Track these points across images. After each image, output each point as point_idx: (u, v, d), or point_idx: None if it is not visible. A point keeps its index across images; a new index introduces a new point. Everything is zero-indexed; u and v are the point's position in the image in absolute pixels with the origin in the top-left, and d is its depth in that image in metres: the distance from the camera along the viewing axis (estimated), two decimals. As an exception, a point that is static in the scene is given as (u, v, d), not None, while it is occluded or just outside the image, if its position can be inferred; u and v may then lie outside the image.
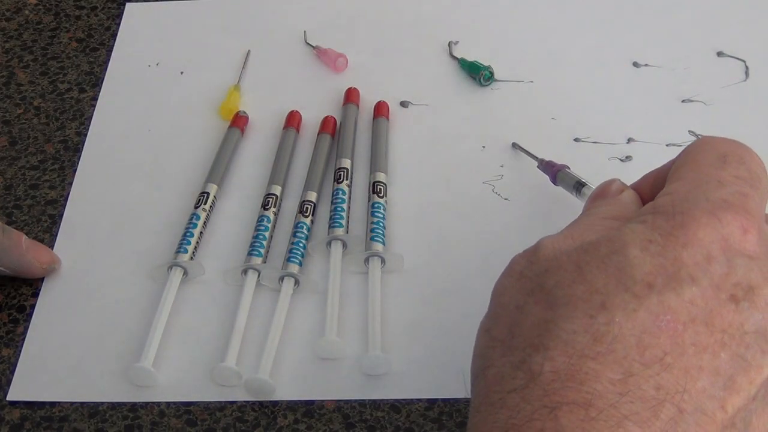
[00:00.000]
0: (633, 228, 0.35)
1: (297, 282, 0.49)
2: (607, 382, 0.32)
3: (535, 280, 0.36)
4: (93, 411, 0.46)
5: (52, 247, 0.53)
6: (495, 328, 0.37)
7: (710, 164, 0.38)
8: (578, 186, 0.50)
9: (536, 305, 0.35)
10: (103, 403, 0.46)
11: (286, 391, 0.46)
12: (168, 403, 0.46)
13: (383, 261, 0.50)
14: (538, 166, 0.53)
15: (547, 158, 0.53)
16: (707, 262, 0.34)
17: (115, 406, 0.46)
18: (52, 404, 0.46)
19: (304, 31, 0.64)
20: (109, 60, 0.64)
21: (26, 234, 0.52)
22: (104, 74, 0.63)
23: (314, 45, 0.63)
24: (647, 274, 0.34)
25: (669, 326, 0.33)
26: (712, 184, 0.36)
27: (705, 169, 0.38)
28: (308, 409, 0.46)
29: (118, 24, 0.66)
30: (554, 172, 0.51)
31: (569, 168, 0.51)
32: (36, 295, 0.51)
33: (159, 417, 0.45)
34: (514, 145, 0.55)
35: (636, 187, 0.43)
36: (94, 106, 0.61)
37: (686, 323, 0.33)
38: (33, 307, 0.50)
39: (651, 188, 0.42)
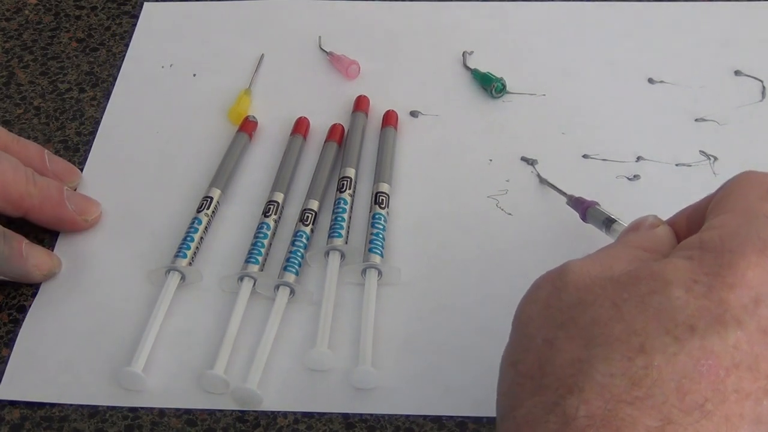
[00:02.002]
0: (677, 265, 0.37)
1: (292, 291, 0.54)
2: (644, 430, 0.33)
3: (567, 312, 0.38)
4: (93, 411, 0.51)
5: (52, 248, 0.58)
6: (522, 362, 0.38)
7: (758, 198, 0.40)
8: (608, 222, 0.53)
9: (569, 341, 0.37)
10: (98, 404, 0.51)
11: (273, 402, 0.51)
12: (162, 407, 0.51)
13: (380, 273, 0.55)
14: (567, 203, 0.56)
15: (576, 194, 0.56)
16: (755, 304, 0.35)
17: (115, 406, 0.51)
18: (52, 404, 0.51)
19: (319, 37, 0.70)
20: (109, 60, 0.70)
21: (26, 235, 0.57)
22: (107, 74, 0.69)
23: (328, 51, 0.69)
24: (690, 317, 0.35)
25: (711, 371, 0.34)
26: (761, 220, 0.38)
27: (753, 203, 0.39)
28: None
29: (119, 24, 0.73)
30: (584, 208, 0.55)
31: (599, 204, 0.54)
32: (36, 295, 0.56)
33: (159, 417, 0.51)
34: (542, 180, 0.59)
35: (671, 222, 0.45)
36: (95, 106, 0.67)
37: (729, 368, 0.34)
38: (31, 306, 0.56)
39: (687, 224, 0.44)
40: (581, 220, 0.56)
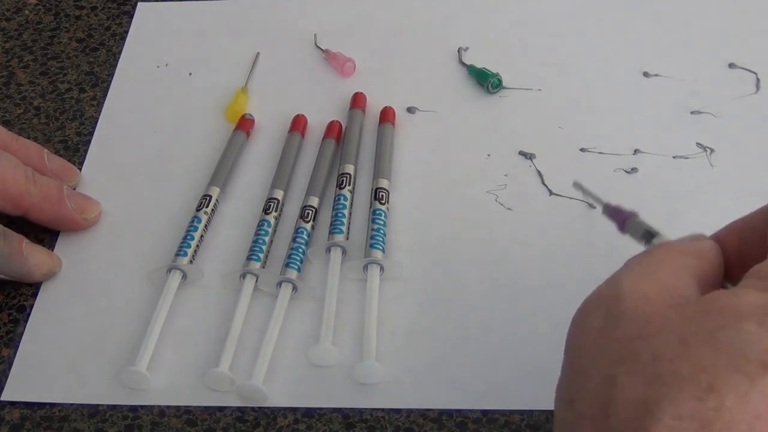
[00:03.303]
0: (749, 297, 0.35)
1: (295, 288, 0.53)
2: None
3: (626, 345, 0.35)
4: (93, 411, 0.50)
5: (52, 247, 0.57)
6: (580, 400, 0.36)
7: None
8: (648, 236, 0.47)
9: (632, 379, 0.34)
10: (101, 403, 0.50)
11: (278, 398, 0.50)
12: (166, 405, 0.50)
13: (382, 268, 0.53)
14: (603, 212, 0.50)
15: (613, 203, 0.50)
16: None
17: (115, 406, 0.50)
18: (52, 404, 0.50)
19: (315, 34, 0.68)
20: (109, 60, 0.68)
21: (27, 235, 0.55)
22: (106, 74, 0.67)
23: (324, 49, 0.67)
24: (763, 352, 0.33)
25: None
26: None
27: None
28: (308, 409, 0.49)
29: (119, 24, 0.71)
30: (623, 219, 0.49)
31: (638, 214, 0.49)
32: (36, 295, 0.55)
33: (159, 417, 0.49)
34: (576, 185, 0.53)
35: (717, 238, 0.42)
36: (95, 106, 0.65)
37: None
38: (33, 307, 0.54)
39: (738, 241, 0.41)
40: (619, 231, 0.50)
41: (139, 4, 0.72)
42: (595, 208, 0.55)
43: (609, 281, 0.38)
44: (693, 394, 0.33)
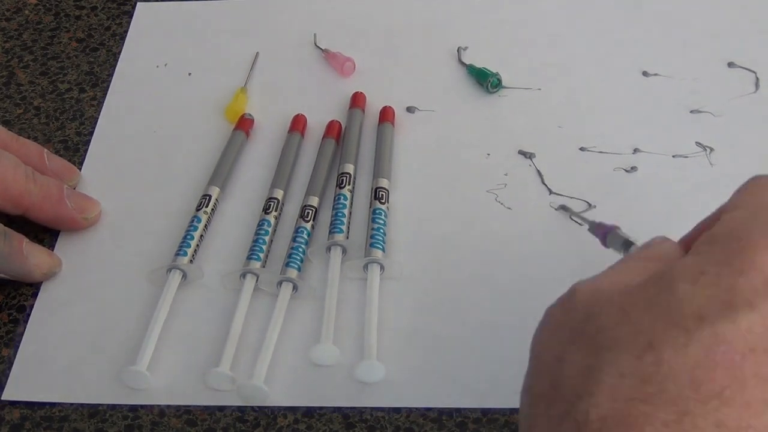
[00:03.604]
0: (684, 262, 0.35)
1: (295, 287, 0.52)
2: (660, 425, 0.31)
3: (576, 328, 0.36)
4: (93, 411, 0.49)
5: (52, 247, 0.56)
6: (536, 385, 0.36)
7: None
8: (626, 245, 0.49)
9: (578, 353, 0.35)
10: (101, 403, 0.49)
11: (279, 398, 0.49)
12: (166, 405, 0.49)
13: (382, 268, 0.53)
14: (588, 230, 0.52)
15: (597, 220, 0.51)
16: (766, 286, 0.33)
17: (115, 406, 0.49)
18: (52, 404, 0.49)
19: (314, 34, 0.68)
20: (109, 60, 0.67)
21: (27, 234, 0.55)
22: (106, 74, 0.66)
23: (323, 48, 0.67)
24: (698, 307, 0.33)
25: (725, 358, 0.32)
26: None
27: (763, 199, 0.38)
28: (308, 409, 0.49)
29: (119, 24, 0.70)
30: (604, 233, 0.51)
31: (619, 228, 0.50)
32: (36, 295, 0.54)
33: (159, 417, 0.49)
34: (561, 207, 0.55)
35: (686, 240, 0.42)
36: (95, 106, 0.64)
37: (745, 353, 0.32)
38: (32, 307, 0.54)
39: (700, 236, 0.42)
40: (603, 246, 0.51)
41: (138, 4, 0.72)
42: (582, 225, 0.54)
43: (569, 289, 0.38)
44: (633, 354, 0.33)
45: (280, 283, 0.53)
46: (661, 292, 0.34)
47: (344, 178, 0.57)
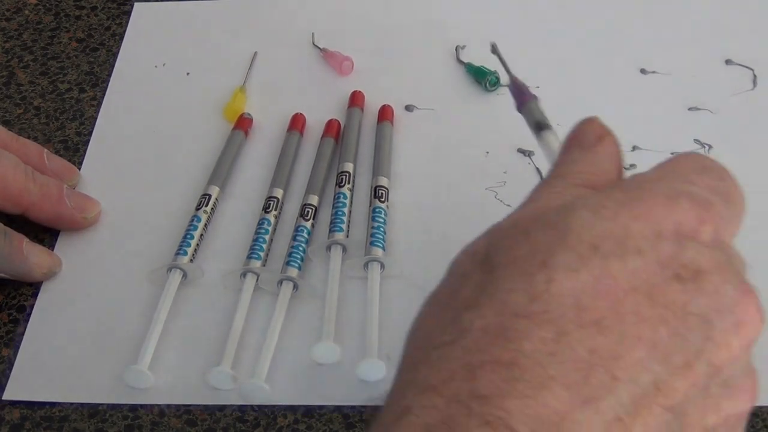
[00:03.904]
0: (588, 195, 0.36)
1: (296, 286, 0.52)
2: (537, 341, 0.32)
3: (487, 252, 0.36)
4: (93, 411, 0.49)
5: (52, 247, 0.56)
6: (438, 293, 0.37)
7: (689, 168, 0.38)
8: (538, 127, 0.46)
9: (480, 269, 0.36)
10: (102, 403, 0.49)
11: (280, 396, 0.49)
12: (168, 404, 0.49)
13: (383, 266, 0.52)
14: (507, 85, 0.49)
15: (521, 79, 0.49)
16: (656, 237, 0.34)
17: (115, 406, 0.49)
18: (52, 404, 0.49)
19: (312, 33, 0.67)
20: (109, 60, 0.67)
21: (27, 234, 0.54)
22: (106, 74, 0.66)
23: (321, 47, 0.66)
24: (594, 236, 0.34)
25: (609, 290, 0.33)
26: (681, 179, 0.37)
27: (682, 168, 0.38)
28: (308, 409, 0.48)
29: (119, 24, 0.70)
30: (522, 101, 0.48)
31: (538, 99, 0.48)
32: (36, 295, 0.54)
33: (159, 417, 0.48)
34: (493, 47, 0.51)
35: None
36: (95, 106, 0.64)
37: (627, 291, 0.33)
38: (32, 307, 0.53)
39: None
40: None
41: (136, 4, 0.71)
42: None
43: None
44: (526, 271, 0.34)
45: (280, 282, 0.52)
46: (563, 216, 0.35)
47: (344, 176, 0.57)
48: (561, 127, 0.59)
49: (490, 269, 0.35)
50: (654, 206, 0.35)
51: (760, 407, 0.47)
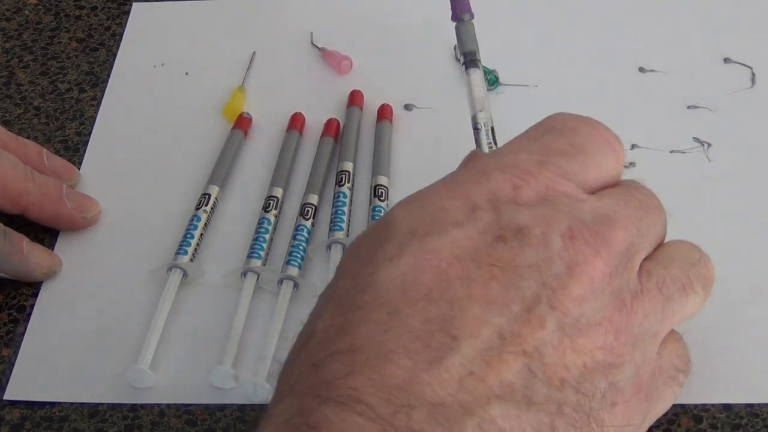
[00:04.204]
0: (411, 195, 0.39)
1: (296, 285, 0.52)
2: (372, 324, 0.34)
3: (337, 275, 0.39)
4: (93, 411, 0.48)
5: (52, 247, 0.55)
6: (326, 287, 0.39)
7: (529, 136, 0.41)
8: (465, 58, 0.48)
9: (331, 283, 0.38)
10: (102, 403, 0.48)
11: None
12: (168, 404, 0.48)
13: None
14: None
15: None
16: (472, 210, 0.36)
17: (115, 406, 0.48)
18: (52, 404, 0.49)
19: (311, 33, 0.67)
20: (109, 60, 0.66)
21: (27, 234, 0.54)
22: (106, 74, 0.65)
23: (320, 47, 0.66)
24: (411, 223, 0.36)
25: (431, 264, 0.35)
26: (508, 151, 0.40)
27: (519, 139, 0.41)
28: (307, 409, 0.48)
29: (119, 24, 0.69)
30: (456, 15, 0.51)
31: (470, 19, 0.50)
32: (36, 295, 0.53)
33: (159, 417, 0.48)
34: None
35: None
36: (95, 106, 0.63)
37: (450, 261, 0.35)
38: (33, 307, 0.53)
39: None
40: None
41: (134, 4, 0.71)
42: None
43: None
44: (354, 271, 0.36)
45: (281, 281, 0.52)
46: (388, 213, 0.38)
47: (343, 175, 0.56)
48: (560, 126, 0.59)
49: (336, 277, 0.38)
50: (464, 185, 0.38)
51: (761, 407, 0.46)
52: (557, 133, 0.41)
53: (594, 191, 0.40)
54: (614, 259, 0.37)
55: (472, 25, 0.50)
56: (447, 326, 0.34)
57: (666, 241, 0.42)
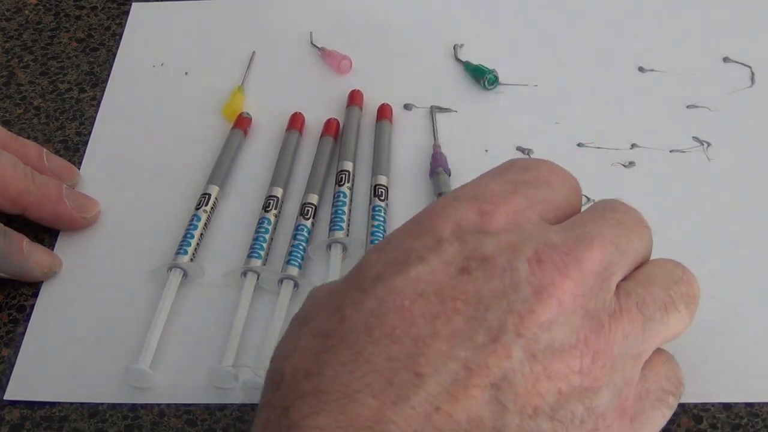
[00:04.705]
0: (380, 240, 0.38)
1: (296, 285, 0.51)
2: (337, 366, 0.34)
3: (296, 322, 0.38)
4: (93, 411, 0.48)
5: (52, 247, 0.55)
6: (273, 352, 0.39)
7: (491, 173, 0.40)
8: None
9: (294, 329, 0.38)
10: (102, 403, 0.48)
11: None
12: (168, 404, 0.48)
13: None
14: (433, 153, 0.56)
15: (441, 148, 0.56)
16: (437, 244, 0.36)
17: (115, 406, 0.48)
18: (52, 404, 0.48)
19: (310, 33, 0.66)
20: (109, 60, 0.66)
21: (27, 234, 0.53)
22: (106, 74, 0.65)
23: (319, 46, 0.65)
24: (378, 269, 0.36)
25: (396, 304, 0.35)
26: (474, 185, 0.39)
27: (482, 176, 0.40)
28: (308, 409, 0.47)
29: (119, 24, 0.69)
30: (432, 168, 0.54)
31: (447, 173, 0.53)
32: (36, 295, 0.53)
33: (159, 417, 0.47)
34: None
35: None
36: (95, 106, 0.63)
37: (413, 299, 0.35)
38: (33, 307, 0.52)
39: None
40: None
41: (133, 4, 0.70)
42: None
43: None
44: (324, 318, 0.36)
45: (281, 281, 0.51)
46: (356, 266, 0.38)
47: (343, 175, 0.56)
48: (560, 126, 0.59)
49: (300, 325, 0.38)
50: (431, 220, 0.37)
51: (761, 407, 0.46)
52: (521, 169, 0.40)
53: (561, 221, 0.39)
54: (588, 278, 0.36)
55: (446, 176, 0.55)
56: (411, 364, 0.33)
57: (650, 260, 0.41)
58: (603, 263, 0.37)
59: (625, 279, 0.38)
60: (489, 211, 0.37)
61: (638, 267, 0.40)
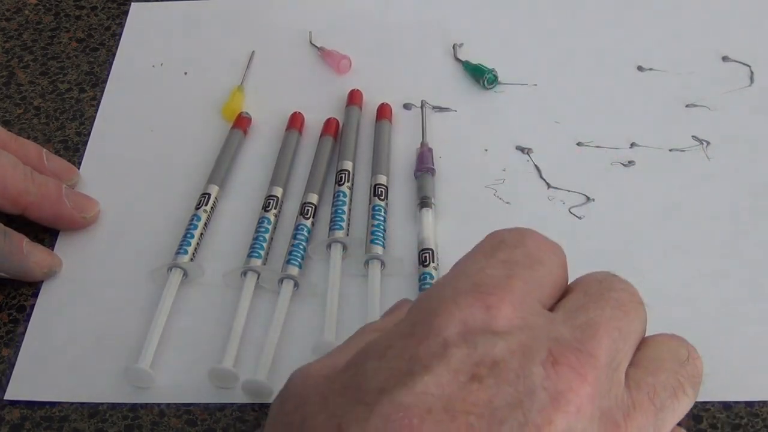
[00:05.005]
0: (377, 338, 0.35)
1: (296, 284, 0.51)
2: None
3: (287, 421, 0.35)
4: (93, 411, 0.47)
5: (52, 247, 0.55)
6: None
7: (481, 252, 0.37)
8: (421, 203, 0.52)
9: None
10: (103, 403, 0.48)
11: None
12: (168, 403, 0.48)
13: (383, 264, 0.51)
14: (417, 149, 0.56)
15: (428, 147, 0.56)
16: (444, 349, 0.33)
17: (115, 406, 0.48)
18: (52, 404, 0.48)
19: (310, 32, 0.66)
20: (109, 60, 0.66)
21: (27, 234, 0.53)
22: (106, 74, 0.64)
23: (319, 46, 0.65)
24: (380, 381, 0.33)
25: (403, 423, 0.31)
26: (470, 272, 0.36)
27: (473, 257, 0.37)
28: (308, 409, 0.47)
29: (119, 24, 0.68)
30: (418, 169, 0.54)
31: (433, 174, 0.53)
32: (36, 295, 0.53)
33: (159, 417, 0.47)
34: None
35: None
36: (95, 106, 0.63)
37: (422, 415, 0.31)
38: (33, 307, 0.52)
39: None
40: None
41: (132, 4, 0.70)
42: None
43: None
44: (319, 426, 0.33)
45: (281, 281, 0.51)
46: (355, 373, 0.34)
47: (343, 175, 0.56)
48: (560, 125, 0.59)
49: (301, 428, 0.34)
50: (434, 320, 0.34)
51: (761, 407, 0.45)
52: (510, 246, 0.38)
53: (556, 300, 0.37)
54: (601, 374, 0.34)
55: (431, 176, 0.55)
56: None
57: (646, 335, 0.39)
58: (611, 353, 0.35)
59: (631, 365, 0.36)
60: (495, 305, 0.34)
61: (640, 347, 0.38)
